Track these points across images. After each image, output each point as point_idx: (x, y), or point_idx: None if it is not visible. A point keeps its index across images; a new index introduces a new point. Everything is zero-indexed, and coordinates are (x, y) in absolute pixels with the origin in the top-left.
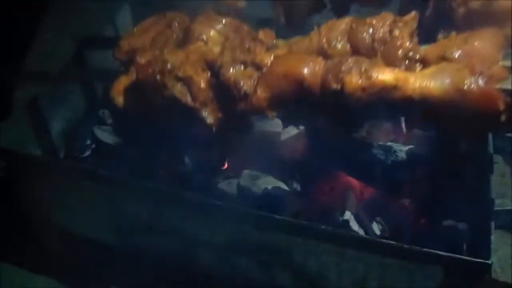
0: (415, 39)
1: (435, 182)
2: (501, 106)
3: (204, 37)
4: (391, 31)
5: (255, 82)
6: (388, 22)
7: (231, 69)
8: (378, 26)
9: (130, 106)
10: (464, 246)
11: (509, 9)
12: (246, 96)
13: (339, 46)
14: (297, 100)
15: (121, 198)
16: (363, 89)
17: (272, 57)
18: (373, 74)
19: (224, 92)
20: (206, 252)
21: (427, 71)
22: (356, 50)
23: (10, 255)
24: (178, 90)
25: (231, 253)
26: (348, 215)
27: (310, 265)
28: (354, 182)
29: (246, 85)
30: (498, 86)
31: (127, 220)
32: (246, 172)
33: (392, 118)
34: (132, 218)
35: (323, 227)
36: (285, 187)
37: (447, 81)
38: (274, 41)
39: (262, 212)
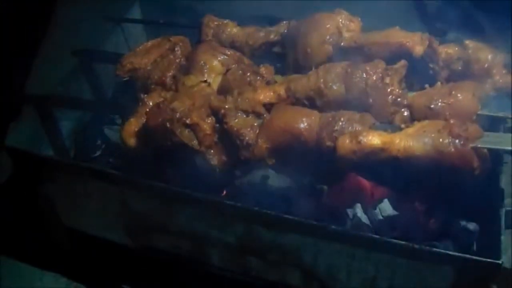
0: (404, 86)
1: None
2: (475, 164)
3: (207, 66)
4: (382, 78)
5: (257, 132)
6: (380, 70)
7: (234, 118)
8: (371, 72)
9: (140, 147)
10: (474, 246)
11: (486, 69)
12: (248, 145)
13: (335, 87)
14: (294, 151)
15: (132, 197)
16: (354, 152)
17: (272, 93)
18: (363, 139)
19: (228, 137)
20: (216, 251)
21: (411, 130)
22: (350, 93)
23: (20, 254)
24: (186, 136)
25: (241, 252)
26: (358, 208)
27: (320, 265)
28: (364, 182)
29: (248, 136)
30: (472, 145)
31: (138, 219)
32: (257, 171)
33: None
34: (143, 218)
35: (333, 227)
36: (295, 187)
37: (429, 142)
38: (274, 77)
39: (273, 212)
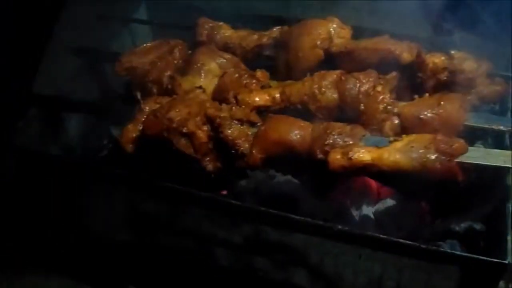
0: (394, 96)
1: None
2: (460, 178)
3: (205, 68)
4: (374, 86)
5: (251, 142)
6: (372, 79)
7: (229, 128)
8: (364, 80)
9: (139, 152)
10: (481, 246)
11: (471, 79)
12: (243, 155)
13: (328, 93)
14: (287, 161)
15: (138, 197)
16: (344, 167)
17: (267, 96)
18: (353, 156)
19: (223, 145)
20: (223, 251)
21: (399, 144)
22: (343, 99)
23: (25, 255)
24: (182, 144)
25: (248, 252)
26: (364, 206)
27: (327, 265)
28: (371, 182)
29: (243, 146)
30: (457, 160)
31: (145, 219)
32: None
33: None
34: (149, 217)
35: (340, 227)
36: (302, 186)
37: (416, 158)
38: (269, 82)
39: (279, 212)
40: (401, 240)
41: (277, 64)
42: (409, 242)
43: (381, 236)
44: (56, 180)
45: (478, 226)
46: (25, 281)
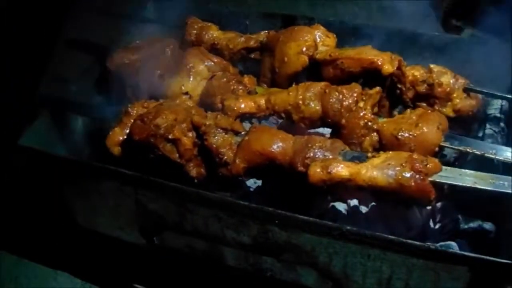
0: (376, 111)
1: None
2: (432, 197)
3: (194, 70)
4: (357, 102)
5: (235, 151)
6: (356, 94)
7: (214, 136)
8: (348, 95)
9: (125, 155)
10: (490, 246)
11: (448, 92)
12: (226, 164)
13: (312, 104)
14: (269, 171)
15: (146, 197)
16: (324, 181)
17: (253, 103)
18: (332, 170)
19: (207, 153)
20: (230, 251)
21: (376, 161)
22: (325, 112)
23: (34, 254)
24: (168, 149)
25: (256, 253)
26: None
27: (335, 265)
28: None
29: (226, 155)
30: (431, 179)
31: (152, 219)
32: None
33: None
34: (156, 218)
35: (348, 227)
36: None
37: (392, 175)
38: (255, 88)
39: (288, 212)
40: (410, 241)
41: (263, 67)
42: (418, 243)
43: (390, 236)
44: (64, 180)
45: (487, 226)
46: (33, 280)
